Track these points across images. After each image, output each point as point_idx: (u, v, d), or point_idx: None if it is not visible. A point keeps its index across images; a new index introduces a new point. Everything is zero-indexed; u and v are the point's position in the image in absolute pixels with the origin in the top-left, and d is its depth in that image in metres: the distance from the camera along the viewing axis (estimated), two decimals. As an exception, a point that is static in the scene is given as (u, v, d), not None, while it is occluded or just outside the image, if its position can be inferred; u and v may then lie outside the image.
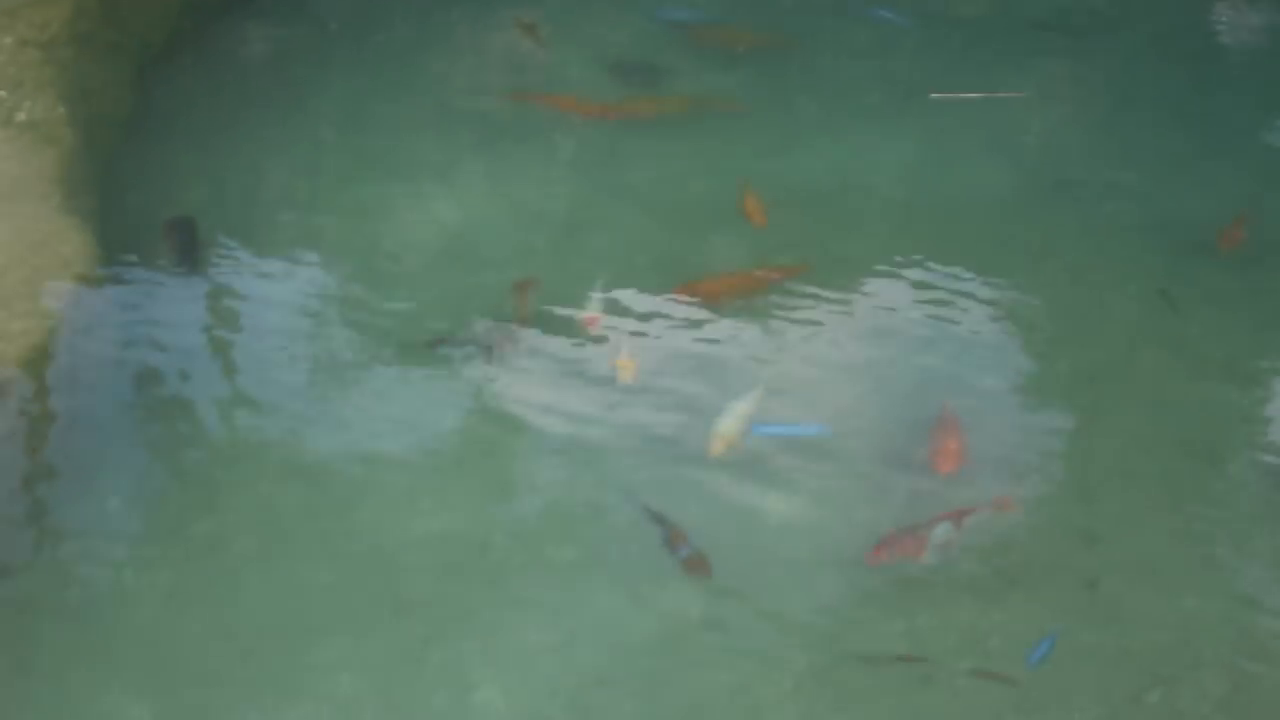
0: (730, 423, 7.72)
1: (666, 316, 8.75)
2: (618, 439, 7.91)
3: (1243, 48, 12.39)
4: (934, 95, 11.12)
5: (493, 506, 7.57)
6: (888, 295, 9.10)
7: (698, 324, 8.70)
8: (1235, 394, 8.43)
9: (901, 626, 6.92)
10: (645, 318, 8.73)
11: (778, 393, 8.13)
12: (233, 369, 8.36)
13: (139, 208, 9.21)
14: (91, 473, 7.48)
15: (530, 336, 8.42)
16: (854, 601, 7.10)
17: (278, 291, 8.96)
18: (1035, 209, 9.82)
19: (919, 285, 9.15)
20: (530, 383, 8.24)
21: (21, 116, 8.92)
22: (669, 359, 8.44)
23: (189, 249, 9.04)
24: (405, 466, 7.72)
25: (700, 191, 9.86)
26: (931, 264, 9.30)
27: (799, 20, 12.20)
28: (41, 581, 6.98)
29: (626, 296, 8.86)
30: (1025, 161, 10.30)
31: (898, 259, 9.36)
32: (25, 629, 6.77)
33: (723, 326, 8.73)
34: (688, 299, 8.82)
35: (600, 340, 8.47)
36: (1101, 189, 10.08)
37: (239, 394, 8.17)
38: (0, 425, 7.35)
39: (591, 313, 8.57)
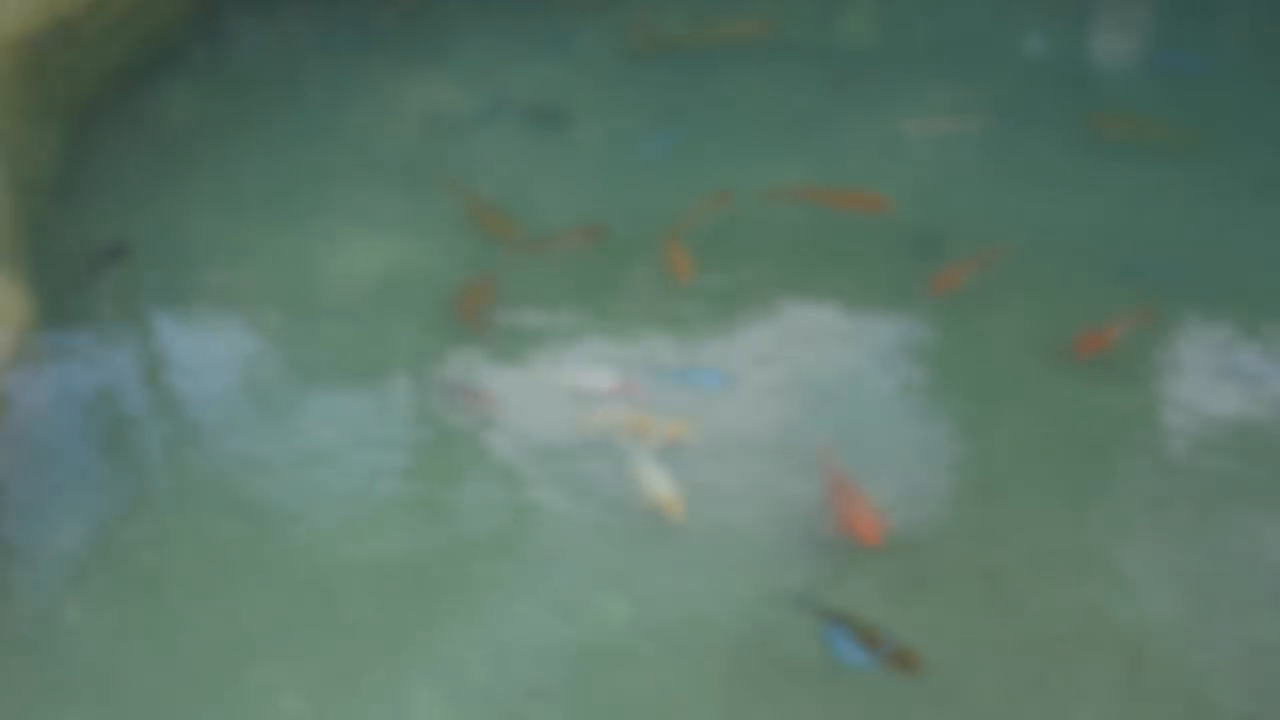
0: (666, 482, 7.66)
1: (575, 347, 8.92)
2: (540, 471, 7.92)
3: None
4: (911, 126, 11.25)
5: (423, 530, 7.59)
6: (785, 320, 9.21)
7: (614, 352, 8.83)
8: (1118, 395, 8.47)
9: (812, 626, 6.91)
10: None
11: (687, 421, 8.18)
12: (171, 409, 8.43)
13: (73, 262, 9.34)
14: (40, 514, 7.54)
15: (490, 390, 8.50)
16: (765, 597, 7.10)
17: (211, 335, 9.13)
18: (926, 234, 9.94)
19: (814, 311, 9.30)
20: (460, 419, 8.30)
21: (-43, 182, 8.95)
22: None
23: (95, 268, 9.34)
24: (339, 497, 7.74)
25: (617, 228, 9.98)
26: (824, 289, 9.46)
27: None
28: (-2, 618, 7.07)
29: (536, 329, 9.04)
30: (918, 191, 10.37)
31: (792, 285, 9.49)
32: (-17, 664, 6.79)
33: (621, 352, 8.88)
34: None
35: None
36: (990, 216, 10.14)
37: (179, 433, 8.25)
38: (-50, 472, 7.38)
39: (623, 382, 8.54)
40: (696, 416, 8.16)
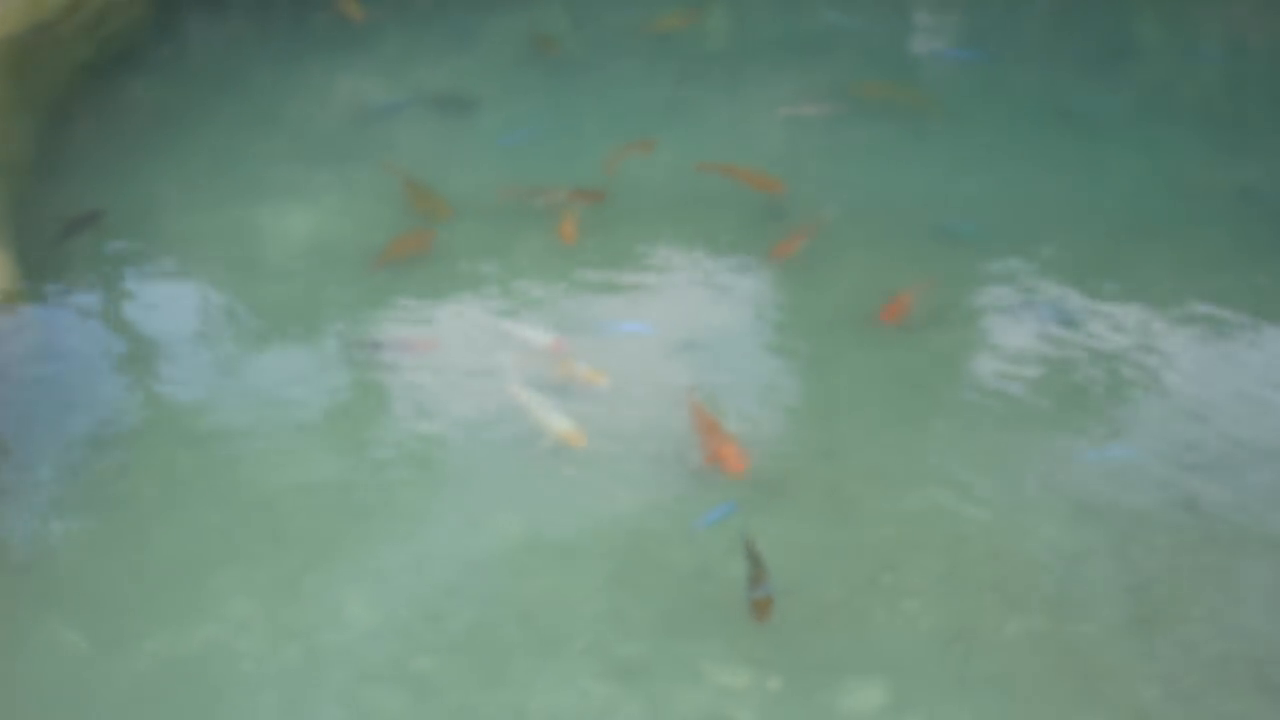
0: (563, 418, 8.08)
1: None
2: (452, 409, 8.42)
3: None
4: (784, 110, 11.61)
5: (353, 458, 8.07)
6: (658, 279, 9.66)
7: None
8: (935, 336, 8.93)
9: (686, 534, 7.43)
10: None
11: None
12: (136, 359, 8.84)
13: (50, 230, 9.68)
14: (23, 446, 7.95)
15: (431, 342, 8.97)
16: (645, 514, 7.61)
17: (169, 295, 9.52)
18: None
19: (682, 271, 9.75)
20: (385, 366, 8.76)
21: (-55, 163, 9.27)
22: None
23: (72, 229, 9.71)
24: (281, 430, 8.24)
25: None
26: (690, 252, 9.91)
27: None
28: (-13, 540, 7.49)
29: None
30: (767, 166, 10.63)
31: (663, 248, 9.94)
32: (-25, 580, 7.24)
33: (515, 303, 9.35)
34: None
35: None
36: (829, 180, 10.59)
37: (142, 379, 8.67)
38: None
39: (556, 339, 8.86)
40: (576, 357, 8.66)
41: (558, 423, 8.09)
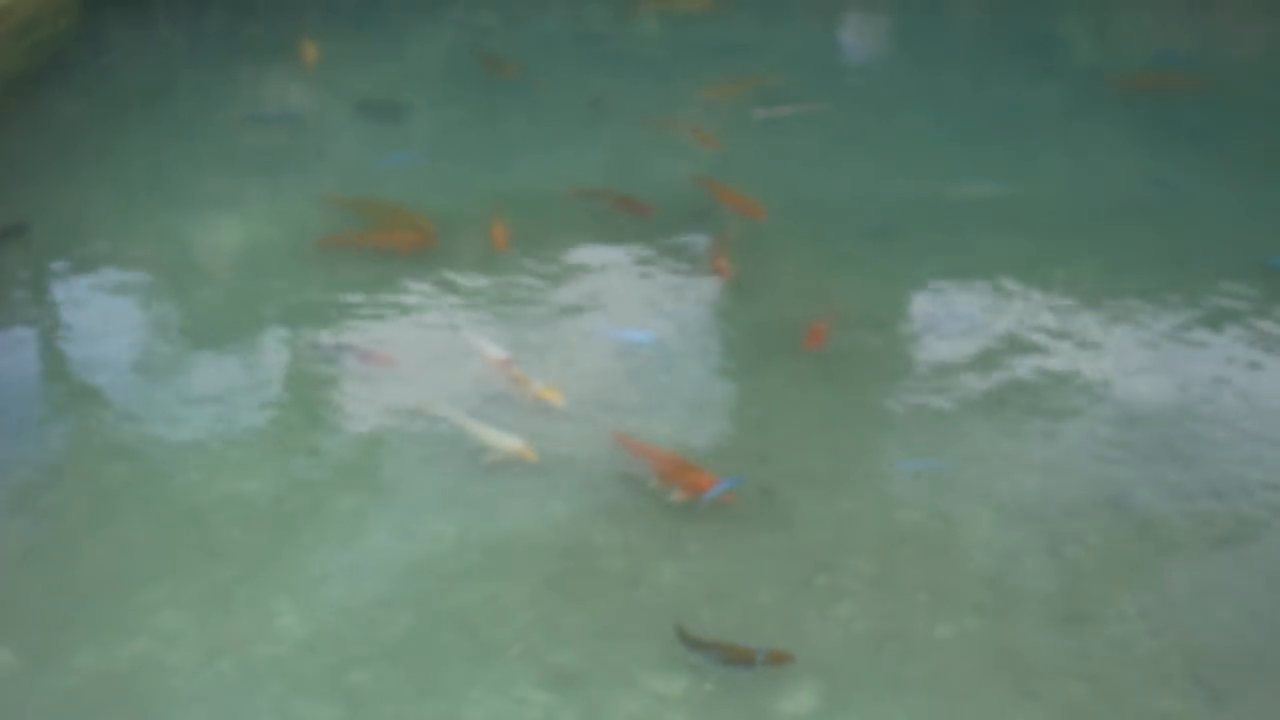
0: (511, 438, 7.94)
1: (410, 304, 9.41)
2: (391, 416, 8.37)
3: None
4: (759, 112, 11.78)
5: (285, 468, 7.97)
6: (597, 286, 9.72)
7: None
8: (873, 339, 8.99)
9: (619, 540, 7.37)
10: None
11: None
12: (66, 369, 8.82)
13: None
14: None
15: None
16: (577, 522, 7.54)
17: (98, 305, 9.44)
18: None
19: (616, 283, 9.76)
20: (318, 376, 8.73)
21: None
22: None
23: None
24: (212, 441, 8.12)
25: (441, 201, 10.53)
26: (625, 259, 9.98)
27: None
28: (-88, 555, 7.31)
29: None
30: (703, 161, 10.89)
31: (595, 259, 10.01)
32: (-99, 595, 7.08)
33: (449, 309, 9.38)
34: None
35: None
36: (764, 182, 10.62)
37: (72, 390, 8.64)
38: None
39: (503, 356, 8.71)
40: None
41: (506, 438, 7.98)
